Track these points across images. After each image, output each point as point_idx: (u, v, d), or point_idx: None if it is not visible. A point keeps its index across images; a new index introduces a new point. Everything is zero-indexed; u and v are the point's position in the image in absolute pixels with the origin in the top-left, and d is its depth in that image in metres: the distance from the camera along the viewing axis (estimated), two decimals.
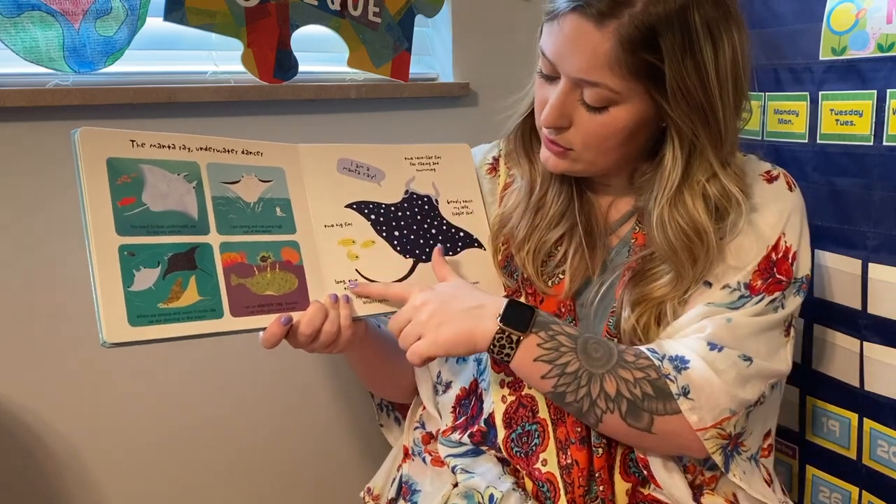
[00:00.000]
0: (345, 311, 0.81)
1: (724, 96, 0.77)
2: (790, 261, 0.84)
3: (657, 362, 0.78)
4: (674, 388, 0.77)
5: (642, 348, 0.80)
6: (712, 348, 0.78)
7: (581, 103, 0.79)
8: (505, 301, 0.79)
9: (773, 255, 0.83)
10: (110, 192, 0.73)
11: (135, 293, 0.71)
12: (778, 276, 0.83)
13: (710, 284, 0.83)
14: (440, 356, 0.80)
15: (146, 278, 0.72)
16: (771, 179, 0.87)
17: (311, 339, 0.80)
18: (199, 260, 0.76)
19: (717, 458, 0.80)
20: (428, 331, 0.78)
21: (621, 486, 0.84)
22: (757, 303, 0.82)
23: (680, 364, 0.78)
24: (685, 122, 0.78)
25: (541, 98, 0.83)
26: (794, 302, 0.85)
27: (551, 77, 0.80)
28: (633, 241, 0.88)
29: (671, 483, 0.83)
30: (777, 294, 0.83)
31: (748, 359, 0.79)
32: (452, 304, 0.79)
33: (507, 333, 0.77)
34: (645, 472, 0.84)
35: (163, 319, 0.72)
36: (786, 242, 0.84)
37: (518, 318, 0.78)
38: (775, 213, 0.84)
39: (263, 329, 0.78)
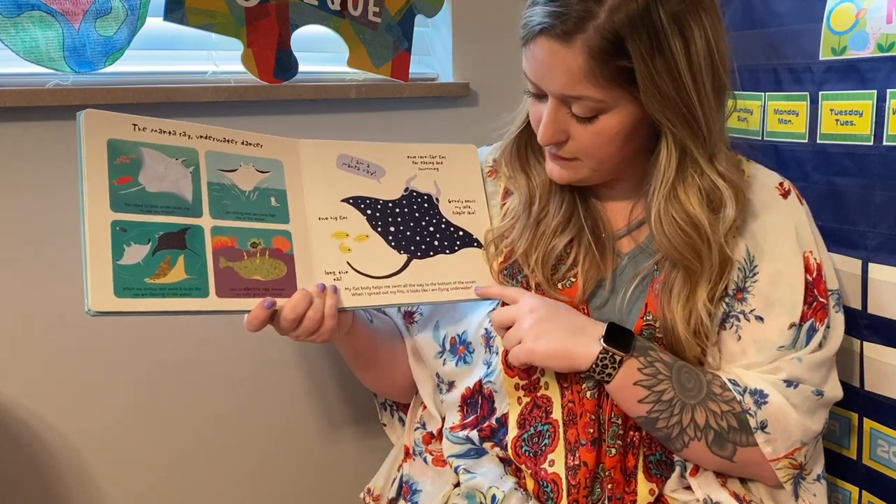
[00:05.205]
0: (331, 301, 0.82)
1: (699, 90, 0.77)
2: (823, 277, 0.87)
3: (738, 396, 0.81)
4: (752, 423, 0.81)
5: (724, 379, 0.83)
6: (788, 385, 0.82)
7: (572, 116, 0.80)
8: (605, 324, 0.82)
9: (809, 277, 0.86)
10: (108, 171, 0.75)
11: (123, 266, 0.73)
12: (819, 298, 0.86)
13: (761, 319, 0.85)
14: (538, 365, 0.83)
15: (135, 253, 0.74)
16: (785, 194, 0.89)
17: (294, 326, 0.81)
18: (189, 241, 0.77)
19: (788, 487, 0.85)
20: (527, 339, 0.81)
21: (644, 487, 0.86)
22: (812, 335, 0.85)
23: (760, 398, 0.81)
24: (664, 119, 0.78)
25: (535, 115, 0.84)
26: (839, 322, 0.88)
27: (540, 95, 0.81)
28: (658, 253, 0.87)
29: (706, 474, 0.87)
30: (826, 320, 0.86)
31: (819, 393, 0.83)
32: (555, 320, 0.82)
33: (610, 354, 0.80)
34: (687, 467, 0.87)
35: (148, 293, 0.73)
36: (815, 259, 0.87)
37: (619, 340, 0.81)
38: (797, 232, 0.87)
39: (247, 312, 0.79)
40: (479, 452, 0.91)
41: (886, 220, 0.93)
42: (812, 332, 0.84)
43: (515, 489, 0.87)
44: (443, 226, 0.92)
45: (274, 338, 0.85)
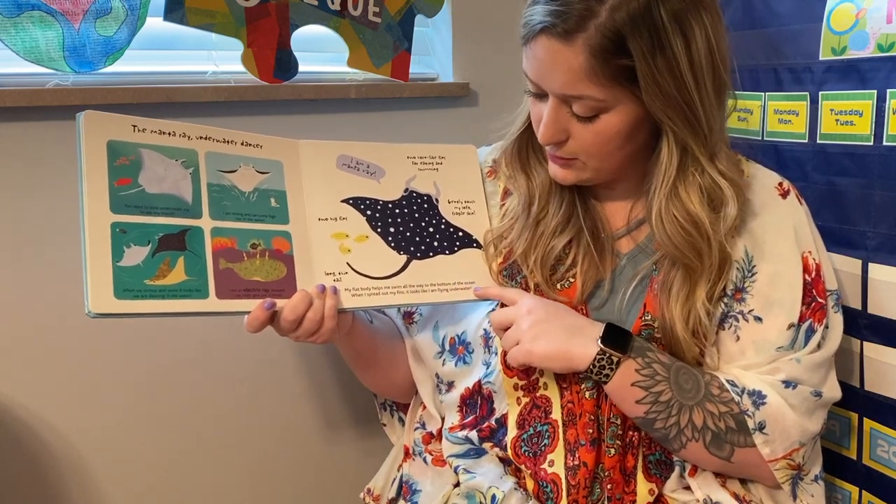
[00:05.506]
0: (330, 302, 0.82)
1: (700, 88, 0.77)
2: (822, 277, 0.87)
3: (736, 397, 0.81)
4: (751, 424, 0.81)
5: (723, 380, 0.83)
6: (787, 386, 0.82)
7: (572, 115, 0.80)
8: (603, 325, 0.82)
9: (807, 277, 0.85)
10: (108, 172, 0.75)
11: (123, 268, 0.73)
12: (818, 298, 0.86)
13: (760, 320, 0.84)
14: (536, 366, 0.84)
15: (135, 255, 0.74)
16: (784, 194, 0.89)
17: (294, 327, 0.81)
18: (189, 242, 0.78)
19: (786, 488, 0.85)
20: (525, 340, 0.81)
21: (644, 487, 0.86)
22: (810, 335, 0.85)
23: (758, 399, 0.81)
24: (665, 118, 0.78)
25: (536, 115, 0.84)
26: (838, 322, 0.88)
27: (540, 95, 0.81)
28: (657, 253, 0.87)
29: (705, 474, 0.87)
30: (825, 320, 0.85)
31: (818, 393, 0.83)
32: (554, 321, 0.82)
33: (608, 355, 0.80)
34: (686, 467, 0.87)
35: (148, 295, 0.73)
36: (814, 260, 0.87)
37: (618, 341, 0.81)
38: (796, 232, 0.86)
39: (247, 313, 0.79)
40: (478, 452, 0.91)
41: (886, 220, 0.93)
42: (810, 332, 0.84)
43: (515, 489, 0.87)
44: (442, 226, 0.92)
45: (274, 338, 0.85)
